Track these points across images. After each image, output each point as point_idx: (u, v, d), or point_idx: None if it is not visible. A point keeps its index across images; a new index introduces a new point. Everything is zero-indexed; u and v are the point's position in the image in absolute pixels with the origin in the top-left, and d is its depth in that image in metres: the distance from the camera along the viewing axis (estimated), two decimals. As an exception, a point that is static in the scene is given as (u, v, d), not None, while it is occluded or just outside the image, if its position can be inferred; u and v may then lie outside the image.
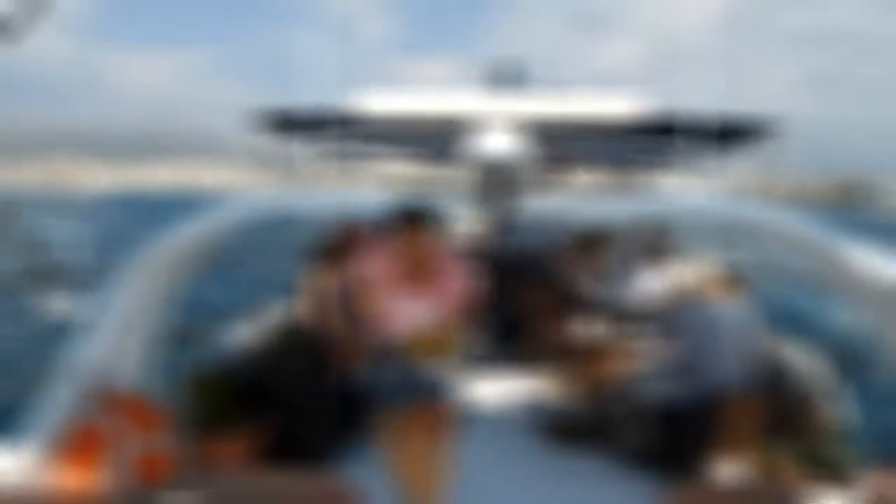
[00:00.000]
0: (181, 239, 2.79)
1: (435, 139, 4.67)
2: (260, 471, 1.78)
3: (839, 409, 3.56)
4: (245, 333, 4.47)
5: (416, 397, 3.02)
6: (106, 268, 3.42)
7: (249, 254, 5.61)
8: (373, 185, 7.58)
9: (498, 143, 2.42)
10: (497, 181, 2.51)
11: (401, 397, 3.03)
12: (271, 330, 4.57)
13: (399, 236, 2.91)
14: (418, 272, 3.00)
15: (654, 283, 5.51)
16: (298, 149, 5.53)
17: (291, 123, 4.75)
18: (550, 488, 3.58)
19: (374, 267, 3.04)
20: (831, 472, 2.92)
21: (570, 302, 5.20)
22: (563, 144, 4.89)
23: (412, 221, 2.90)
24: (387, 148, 6.58)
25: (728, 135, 4.12)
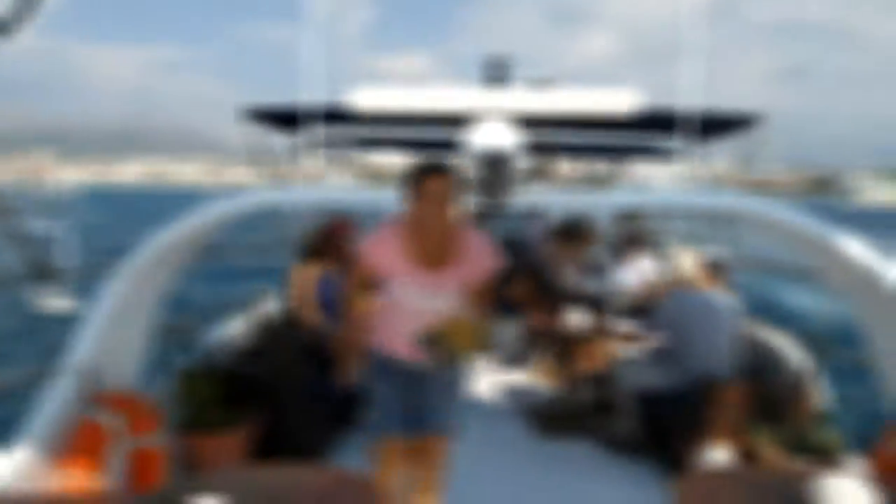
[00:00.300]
0: (173, 235, 2.77)
1: (432, 132, 4.69)
2: (270, 466, 1.77)
3: (822, 393, 3.65)
4: (236, 328, 4.46)
5: (414, 428, 2.60)
6: (91, 263, 3.38)
7: (246, 249, 5.57)
8: (360, 180, 7.58)
9: (494, 135, 2.44)
10: (493, 173, 2.53)
11: (398, 427, 2.57)
12: (262, 325, 4.56)
13: (420, 192, 2.32)
14: (439, 251, 2.46)
15: (638, 272, 5.60)
16: (284, 144, 5.53)
17: (284, 119, 4.75)
18: (537, 479, 3.62)
19: (380, 254, 2.48)
20: (820, 456, 3.00)
21: (553, 292, 5.26)
22: (557, 136, 4.95)
23: (435, 171, 2.32)
24: (381, 142, 6.62)
25: (719, 127, 4.21)
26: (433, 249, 2.46)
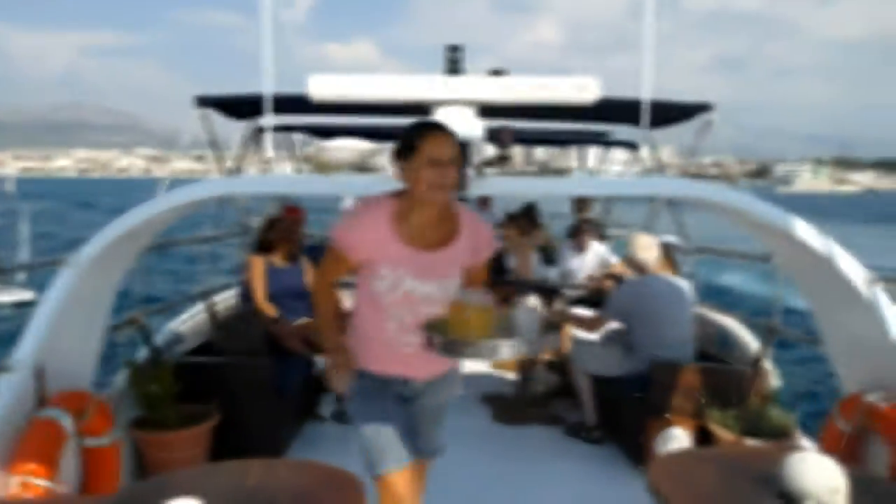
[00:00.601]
0: (126, 225, 2.66)
1: (394, 121, 4.65)
2: (238, 462, 1.70)
3: (774, 374, 3.77)
4: (193, 321, 4.36)
5: (412, 453, 2.17)
6: (44, 255, 3.24)
7: (203, 239, 5.42)
8: (308, 170, 7.47)
9: (457, 124, 2.43)
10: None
11: (405, 456, 2.12)
12: (218, 318, 4.47)
13: (418, 155, 1.92)
14: (438, 229, 2.06)
15: (594, 258, 5.69)
16: (238, 133, 5.42)
17: (238, 108, 4.65)
18: (499, 467, 3.63)
19: (364, 237, 2.02)
20: (776, 437, 3.10)
21: (510, 279, 5.31)
22: (518, 125, 4.97)
23: (436, 130, 1.96)
24: (339, 131, 6.55)
25: (674, 116, 4.31)
26: (431, 227, 2.04)
